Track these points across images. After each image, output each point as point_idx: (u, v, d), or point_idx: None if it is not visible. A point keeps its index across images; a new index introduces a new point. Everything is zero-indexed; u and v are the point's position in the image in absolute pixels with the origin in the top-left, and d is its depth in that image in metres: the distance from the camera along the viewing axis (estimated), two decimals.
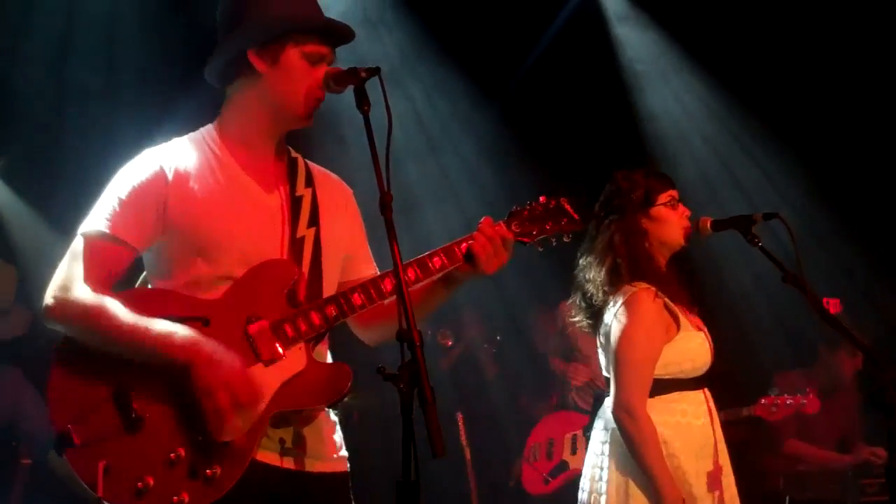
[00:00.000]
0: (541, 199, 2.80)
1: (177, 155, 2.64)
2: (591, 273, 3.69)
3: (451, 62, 6.94)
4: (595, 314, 3.69)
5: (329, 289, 2.69)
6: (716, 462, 3.53)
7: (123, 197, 2.56)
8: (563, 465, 5.89)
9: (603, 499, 3.54)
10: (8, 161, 6.33)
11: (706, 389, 3.63)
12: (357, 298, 2.57)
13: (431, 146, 7.14)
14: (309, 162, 2.85)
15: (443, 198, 7.05)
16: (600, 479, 3.59)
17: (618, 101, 7.33)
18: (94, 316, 2.45)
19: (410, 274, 2.61)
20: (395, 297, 2.51)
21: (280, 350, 2.51)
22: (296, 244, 2.64)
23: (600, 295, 3.65)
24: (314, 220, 2.71)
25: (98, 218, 2.56)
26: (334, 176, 2.91)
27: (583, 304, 3.74)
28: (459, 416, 6.28)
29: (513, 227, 2.72)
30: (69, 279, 2.51)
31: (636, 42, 7.35)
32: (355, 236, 2.88)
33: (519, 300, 6.83)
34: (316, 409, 2.64)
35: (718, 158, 7.23)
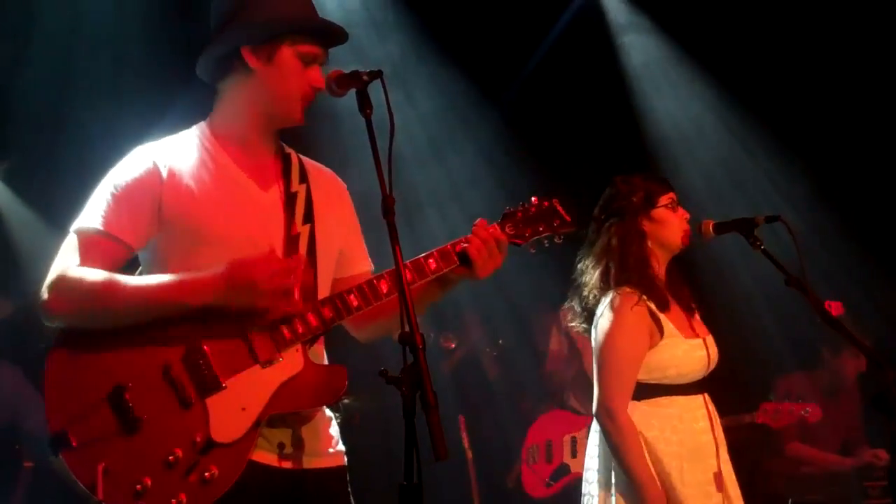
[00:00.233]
0: (533, 200, 2.81)
1: (170, 152, 2.63)
2: (587, 276, 3.70)
3: (454, 64, 6.94)
4: (589, 317, 3.70)
5: (324, 285, 2.70)
6: (717, 466, 3.53)
7: (118, 194, 2.55)
8: (565, 469, 5.89)
9: (594, 500, 3.58)
10: (10, 164, 6.34)
11: (706, 394, 3.63)
12: (354, 300, 2.57)
13: (433, 148, 7.14)
14: (302, 157, 2.85)
15: (444, 200, 7.05)
16: (591, 480, 3.62)
17: (620, 104, 7.33)
18: (102, 289, 2.44)
19: (407, 276, 2.59)
20: (390, 298, 2.55)
21: (277, 352, 2.51)
22: (291, 241, 2.64)
23: (592, 298, 3.66)
24: (309, 217, 2.70)
25: (92, 215, 2.54)
26: (327, 170, 2.91)
27: (579, 308, 3.75)
28: (461, 419, 6.28)
29: (507, 229, 2.73)
30: (64, 269, 2.49)
31: (639, 45, 7.35)
32: (350, 231, 2.88)
33: (521, 302, 6.82)
34: (313, 410, 2.65)
35: (721, 161, 7.23)
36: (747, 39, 6.77)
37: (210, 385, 2.45)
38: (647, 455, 3.45)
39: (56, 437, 2.41)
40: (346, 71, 2.53)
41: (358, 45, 6.58)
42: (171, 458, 2.40)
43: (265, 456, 2.55)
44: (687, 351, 3.56)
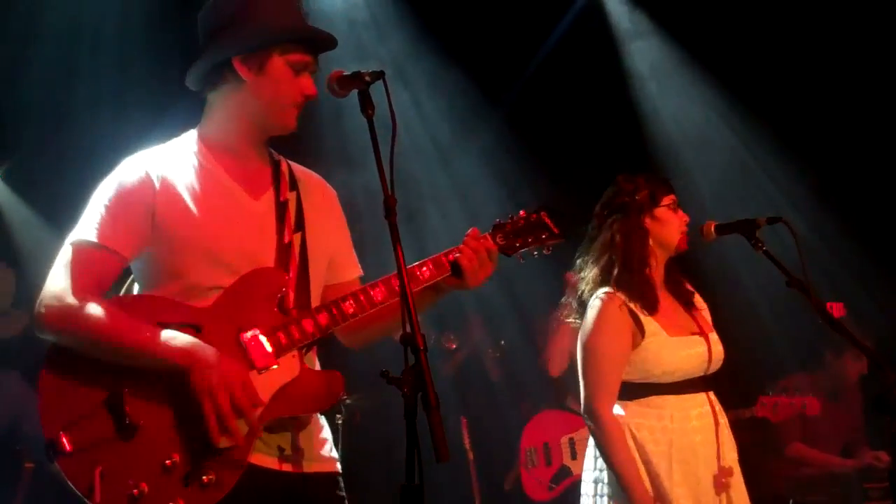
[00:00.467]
0: (521, 213, 2.89)
1: (162, 162, 2.63)
2: (586, 271, 3.70)
3: (455, 65, 6.94)
4: (584, 312, 3.70)
5: (316, 292, 2.71)
6: (719, 466, 3.51)
7: (111, 205, 2.55)
8: (566, 471, 5.86)
9: (588, 500, 3.60)
10: (11, 165, 6.34)
11: (709, 393, 3.61)
12: (349, 307, 2.59)
13: (434, 149, 7.14)
14: (291, 163, 2.85)
15: (445, 201, 7.05)
16: (587, 480, 3.65)
17: (622, 105, 7.33)
18: (87, 325, 2.43)
19: (405, 277, 2.61)
20: (383, 306, 2.60)
21: (274, 358, 2.50)
22: (283, 250, 2.64)
23: (588, 293, 3.67)
24: (300, 225, 2.71)
25: (86, 228, 2.54)
26: (317, 176, 2.92)
27: (575, 304, 3.76)
28: (463, 420, 6.27)
29: (497, 240, 2.79)
30: (61, 290, 2.48)
31: (641, 47, 7.35)
32: (340, 238, 2.89)
33: (523, 303, 6.82)
34: (310, 415, 2.66)
35: (723, 162, 7.23)
36: (749, 41, 6.77)
37: None
38: (636, 455, 3.46)
39: (51, 442, 2.39)
40: (348, 72, 2.52)
41: (360, 45, 6.59)
42: (168, 462, 2.39)
43: (264, 459, 2.55)
44: (673, 350, 3.53)
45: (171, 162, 2.63)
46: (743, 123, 7.16)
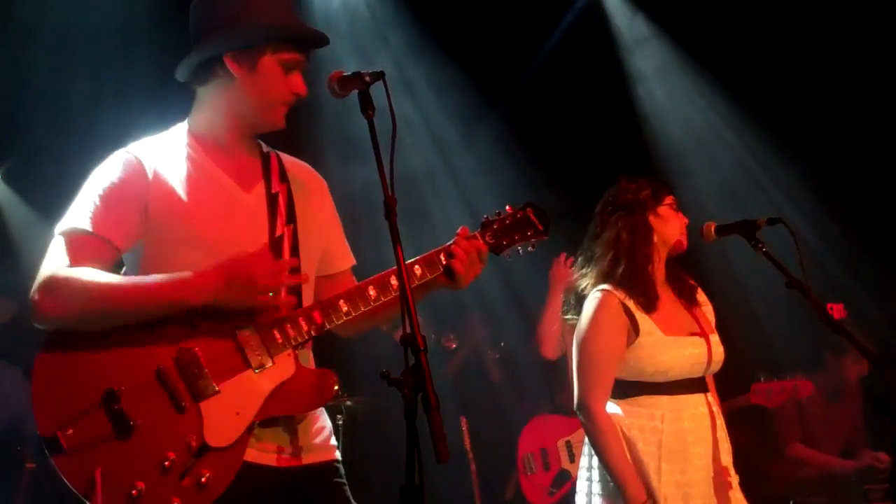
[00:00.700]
0: (507, 209, 2.89)
1: (153, 153, 2.63)
2: (587, 268, 3.70)
3: (456, 65, 6.94)
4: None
5: (308, 285, 2.71)
6: (716, 466, 3.50)
7: (104, 195, 2.53)
8: (565, 475, 5.83)
9: (582, 497, 3.61)
10: (11, 164, 6.34)
11: (707, 395, 3.60)
12: (343, 305, 2.59)
13: (435, 150, 7.14)
14: (281, 154, 2.85)
15: (445, 201, 7.05)
16: (582, 477, 3.65)
17: (622, 106, 7.33)
18: (97, 288, 2.41)
19: (394, 280, 2.64)
20: (378, 304, 2.62)
21: (269, 356, 2.51)
22: (275, 243, 2.65)
23: (588, 290, 3.66)
24: (291, 217, 2.71)
25: (79, 216, 2.52)
26: (306, 166, 2.92)
27: (573, 301, 3.76)
28: (463, 421, 6.26)
29: (487, 238, 2.80)
30: (55, 270, 2.45)
31: (642, 48, 7.34)
32: (332, 229, 2.89)
33: (523, 303, 6.81)
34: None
35: (724, 163, 7.22)
36: (750, 42, 6.77)
37: (204, 389, 2.44)
38: (627, 453, 3.46)
39: (47, 441, 2.38)
40: (348, 72, 2.52)
41: (361, 46, 6.59)
42: (165, 462, 2.39)
43: (259, 456, 2.55)
44: (668, 349, 3.52)
45: (162, 154, 2.63)
46: (744, 125, 7.16)
